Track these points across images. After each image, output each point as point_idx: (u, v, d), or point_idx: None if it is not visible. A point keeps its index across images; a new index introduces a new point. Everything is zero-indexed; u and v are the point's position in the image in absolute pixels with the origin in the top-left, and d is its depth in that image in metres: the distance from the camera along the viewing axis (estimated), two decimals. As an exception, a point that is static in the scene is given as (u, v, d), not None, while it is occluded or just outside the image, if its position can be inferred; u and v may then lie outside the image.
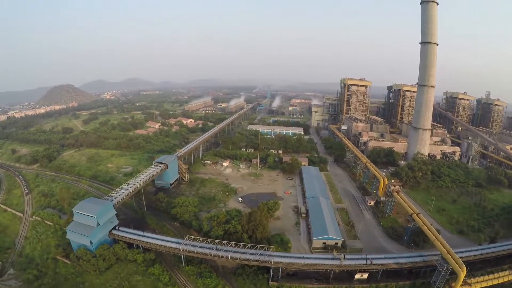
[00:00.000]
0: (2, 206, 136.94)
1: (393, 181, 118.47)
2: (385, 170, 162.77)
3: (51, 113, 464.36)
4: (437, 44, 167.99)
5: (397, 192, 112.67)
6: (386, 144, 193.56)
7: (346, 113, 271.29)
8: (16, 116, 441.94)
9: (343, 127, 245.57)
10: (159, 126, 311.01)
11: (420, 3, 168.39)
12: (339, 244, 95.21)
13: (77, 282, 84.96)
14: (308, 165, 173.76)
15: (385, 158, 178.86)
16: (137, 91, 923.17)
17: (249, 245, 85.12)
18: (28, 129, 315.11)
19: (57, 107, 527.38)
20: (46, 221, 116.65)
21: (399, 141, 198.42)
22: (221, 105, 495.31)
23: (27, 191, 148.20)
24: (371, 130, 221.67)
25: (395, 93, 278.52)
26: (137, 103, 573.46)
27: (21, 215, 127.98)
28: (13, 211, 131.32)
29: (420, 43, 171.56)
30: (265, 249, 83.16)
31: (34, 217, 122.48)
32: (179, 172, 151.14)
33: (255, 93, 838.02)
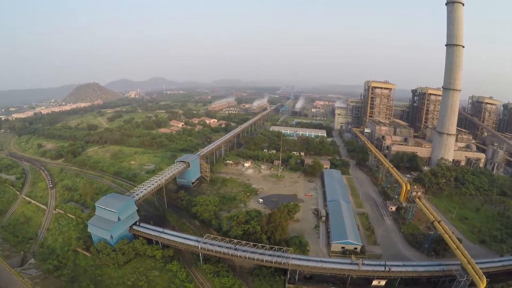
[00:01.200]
0: (27, 198, 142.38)
1: (415, 186, 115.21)
2: (408, 175, 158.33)
3: (76, 110, 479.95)
4: (463, 46, 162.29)
5: (419, 198, 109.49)
6: (409, 148, 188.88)
7: (369, 116, 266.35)
8: (42, 112, 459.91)
9: (366, 130, 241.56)
10: (183, 125, 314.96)
11: (446, 4, 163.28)
12: (358, 249, 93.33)
13: (95, 274, 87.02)
14: (330, 167, 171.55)
15: (408, 163, 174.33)
16: (161, 90, 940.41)
17: (268, 246, 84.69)
18: (54, 125, 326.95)
19: (82, 105, 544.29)
20: (68, 214, 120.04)
21: (423, 146, 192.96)
22: (244, 106, 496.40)
23: (51, 185, 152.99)
24: (394, 134, 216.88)
25: (419, 96, 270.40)
26: (161, 102, 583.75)
27: (45, 207, 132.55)
28: (37, 203, 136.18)
29: (445, 45, 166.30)
30: (283, 250, 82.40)
31: (57, 210, 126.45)
32: (200, 171, 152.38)
33: (279, 94, 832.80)
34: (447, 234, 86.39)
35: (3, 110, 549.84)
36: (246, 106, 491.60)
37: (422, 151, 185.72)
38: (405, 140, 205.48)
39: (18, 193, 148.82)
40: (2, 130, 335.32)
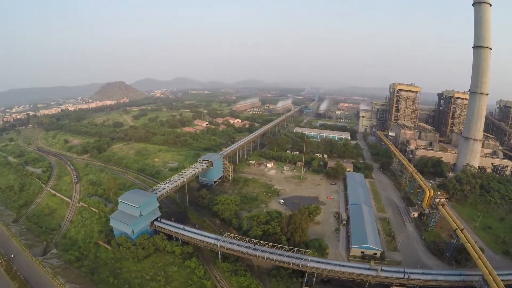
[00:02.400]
0: (52, 191, 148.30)
1: (439, 193, 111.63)
2: (432, 181, 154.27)
3: (103, 107, 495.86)
4: (491, 49, 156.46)
5: (442, 205, 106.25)
6: (434, 153, 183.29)
7: (394, 120, 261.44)
8: (69, 109, 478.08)
9: (390, 133, 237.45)
10: (207, 124, 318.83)
11: (472, 5, 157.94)
12: (378, 255, 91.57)
13: (115, 267, 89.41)
14: (353, 171, 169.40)
15: (432, 168, 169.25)
16: (186, 89, 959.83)
17: (287, 247, 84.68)
18: (81, 121, 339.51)
19: (109, 102, 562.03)
20: (92, 208, 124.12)
21: (448, 151, 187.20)
22: (268, 107, 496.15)
23: (76, 180, 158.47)
24: (419, 138, 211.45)
25: (446, 100, 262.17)
26: (186, 101, 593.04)
27: (69, 200, 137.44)
28: (62, 196, 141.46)
29: (472, 48, 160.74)
30: (302, 253, 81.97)
31: (81, 203, 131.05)
32: (223, 171, 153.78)
33: (303, 95, 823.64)
34: (469, 243, 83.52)
35: (31, 106, 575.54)
36: (270, 107, 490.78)
37: (447, 157, 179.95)
38: (430, 144, 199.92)
39: (44, 185, 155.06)
40: (30, 125, 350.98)
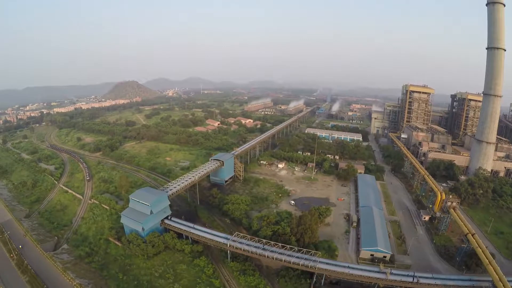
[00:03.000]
0: (64, 187, 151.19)
1: (451, 196, 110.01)
2: (444, 184, 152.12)
3: (115, 106, 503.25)
4: (505, 50, 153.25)
5: (454, 209, 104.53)
6: (446, 156, 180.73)
7: (406, 121, 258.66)
8: (83, 108, 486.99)
9: (403, 135, 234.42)
10: (218, 124, 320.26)
11: (486, 5, 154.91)
12: (387, 258, 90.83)
13: (125, 263, 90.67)
14: (364, 172, 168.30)
15: (444, 171, 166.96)
16: (198, 89, 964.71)
17: (296, 248, 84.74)
18: (94, 120, 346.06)
19: (121, 101, 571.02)
20: (103, 205, 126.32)
21: (461, 154, 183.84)
22: (280, 107, 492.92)
23: (88, 177, 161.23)
24: (432, 140, 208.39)
25: (459, 102, 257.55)
26: (198, 101, 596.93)
27: (81, 197, 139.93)
28: (74, 193, 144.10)
29: (486, 49, 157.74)
30: (311, 254, 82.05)
31: (92, 200, 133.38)
32: (234, 170, 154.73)
33: (315, 96, 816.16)
34: (480, 248, 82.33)
35: (45, 104, 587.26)
36: (282, 107, 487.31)
37: (460, 160, 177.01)
38: (443, 147, 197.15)
39: (56, 182, 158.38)
40: (44, 123, 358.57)
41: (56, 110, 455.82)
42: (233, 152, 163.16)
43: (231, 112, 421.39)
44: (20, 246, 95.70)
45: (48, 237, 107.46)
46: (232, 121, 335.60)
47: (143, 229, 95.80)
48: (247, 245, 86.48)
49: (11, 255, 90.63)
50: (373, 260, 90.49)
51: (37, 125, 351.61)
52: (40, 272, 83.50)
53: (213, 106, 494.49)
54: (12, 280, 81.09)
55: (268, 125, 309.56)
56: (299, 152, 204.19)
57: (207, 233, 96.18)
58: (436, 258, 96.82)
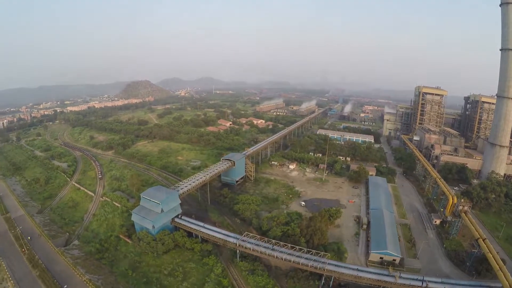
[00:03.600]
0: (76, 184, 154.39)
1: (462, 200, 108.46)
2: (456, 188, 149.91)
3: (128, 105, 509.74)
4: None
5: (465, 213, 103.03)
6: (459, 159, 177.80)
7: (419, 123, 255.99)
8: (96, 106, 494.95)
9: (415, 138, 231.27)
10: (230, 124, 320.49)
11: (500, 5, 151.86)
12: (397, 261, 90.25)
13: (134, 260, 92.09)
14: (376, 175, 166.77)
15: (456, 175, 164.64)
16: (210, 89, 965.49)
17: (305, 249, 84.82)
18: (106, 118, 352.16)
19: (134, 101, 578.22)
20: (114, 202, 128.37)
21: (474, 157, 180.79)
22: (292, 108, 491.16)
23: (100, 175, 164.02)
24: (444, 143, 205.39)
25: (472, 104, 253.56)
26: (210, 101, 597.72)
27: (92, 194, 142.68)
28: (86, 190, 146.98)
29: (500, 50, 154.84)
30: (321, 255, 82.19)
31: (104, 197, 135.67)
32: (245, 171, 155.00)
33: (327, 97, 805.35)
34: (491, 253, 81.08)
35: (58, 102, 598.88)
36: (294, 108, 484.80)
37: (473, 163, 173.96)
38: (455, 150, 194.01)
39: (69, 179, 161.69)
40: (57, 121, 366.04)
41: (69, 108, 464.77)
42: (244, 152, 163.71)
43: (243, 112, 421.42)
44: (29, 238, 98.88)
45: (60, 233, 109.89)
46: (244, 122, 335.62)
47: (153, 227, 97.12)
48: (257, 245, 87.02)
49: (23, 249, 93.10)
50: (383, 263, 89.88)
51: (51, 123, 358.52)
52: (50, 266, 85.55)
53: (225, 106, 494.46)
54: (23, 274, 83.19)
55: (280, 125, 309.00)
56: (310, 153, 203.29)
57: (217, 232, 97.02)
58: (446, 262, 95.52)
